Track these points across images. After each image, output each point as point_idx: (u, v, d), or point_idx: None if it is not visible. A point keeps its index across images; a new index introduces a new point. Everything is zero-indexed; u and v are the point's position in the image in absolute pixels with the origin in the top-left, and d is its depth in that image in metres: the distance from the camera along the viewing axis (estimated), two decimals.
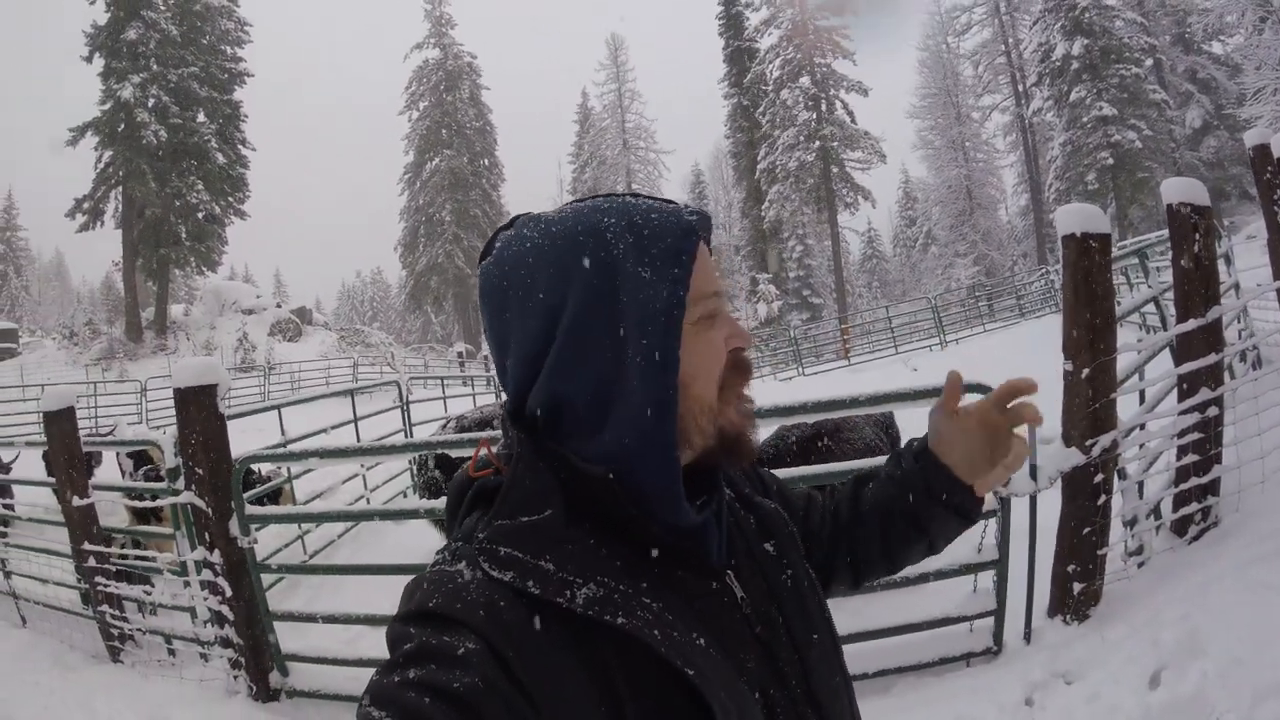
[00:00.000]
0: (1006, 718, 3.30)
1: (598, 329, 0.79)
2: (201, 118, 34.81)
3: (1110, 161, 33.77)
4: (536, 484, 0.79)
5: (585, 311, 0.79)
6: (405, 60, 47.76)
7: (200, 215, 33.95)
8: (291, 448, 6.66)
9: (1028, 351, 14.09)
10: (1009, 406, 1.03)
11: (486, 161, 48.56)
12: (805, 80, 39.57)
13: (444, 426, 7.10)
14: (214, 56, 35.49)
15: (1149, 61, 35.30)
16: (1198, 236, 3.93)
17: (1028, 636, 3.86)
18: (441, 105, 46.92)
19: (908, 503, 1.09)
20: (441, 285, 46.33)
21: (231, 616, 4.35)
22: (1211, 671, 3.01)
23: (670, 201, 0.87)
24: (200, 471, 4.28)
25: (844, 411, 3.74)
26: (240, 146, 36.76)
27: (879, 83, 40.25)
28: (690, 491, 0.83)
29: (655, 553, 0.80)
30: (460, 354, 30.74)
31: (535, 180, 59.36)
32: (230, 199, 35.82)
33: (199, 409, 4.27)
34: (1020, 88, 41.70)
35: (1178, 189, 3.99)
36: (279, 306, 34.88)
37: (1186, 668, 3.10)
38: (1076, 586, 3.80)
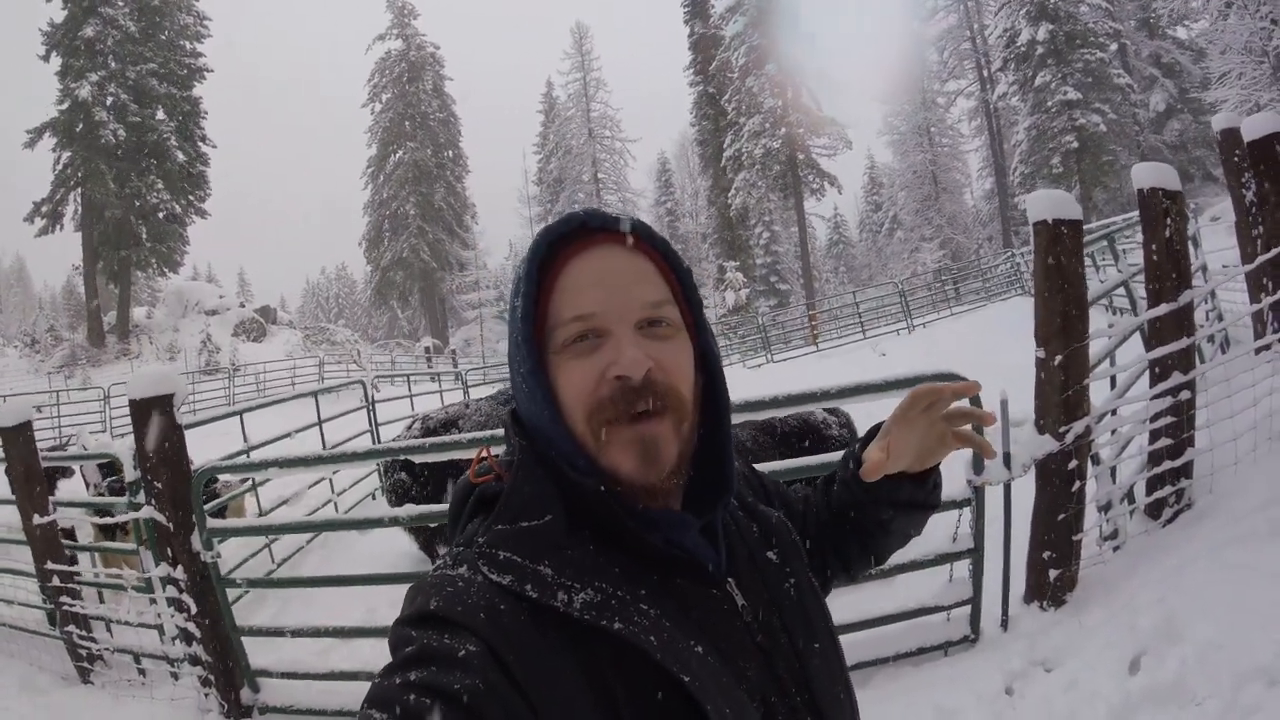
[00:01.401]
0: (986, 707, 3.29)
1: (510, 357, 0.86)
2: (161, 115, 34.00)
3: (1075, 145, 34.06)
4: (536, 490, 0.80)
5: (508, 338, 0.86)
6: (368, 52, 46.92)
7: (161, 215, 33.20)
8: (253, 456, 6.56)
9: (995, 334, 14.26)
10: (949, 411, 1.03)
11: (451, 153, 47.94)
12: (771, 67, 39.48)
13: (409, 427, 6.97)
14: (173, 52, 34.68)
15: (1113, 46, 35.59)
16: (1169, 221, 3.92)
17: (1005, 624, 3.87)
18: (404, 97, 46.23)
19: (862, 508, 1.10)
20: (407, 280, 45.79)
21: (198, 634, 4.25)
22: (1191, 657, 3.01)
23: (585, 209, 0.85)
24: (159, 485, 4.17)
25: (811, 404, 3.69)
26: (200, 143, 35.94)
27: (845, 67, 40.29)
28: (693, 505, 0.86)
29: (653, 560, 0.80)
30: (428, 349, 30.54)
31: (501, 171, 58.67)
32: (191, 197, 35.08)
33: (155, 420, 4.15)
34: (985, 73, 41.86)
35: (1149, 174, 3.98)
36: (243, 306, 34.29)
37: (1165, 653, 3.10)
38: (1053, 573, 3.82)
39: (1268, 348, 4.35)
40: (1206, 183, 31.83)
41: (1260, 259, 4.35)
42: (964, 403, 1.08)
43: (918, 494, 1.10)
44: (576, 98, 53.12)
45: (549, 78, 55.36)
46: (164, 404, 4.17)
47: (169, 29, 34.74)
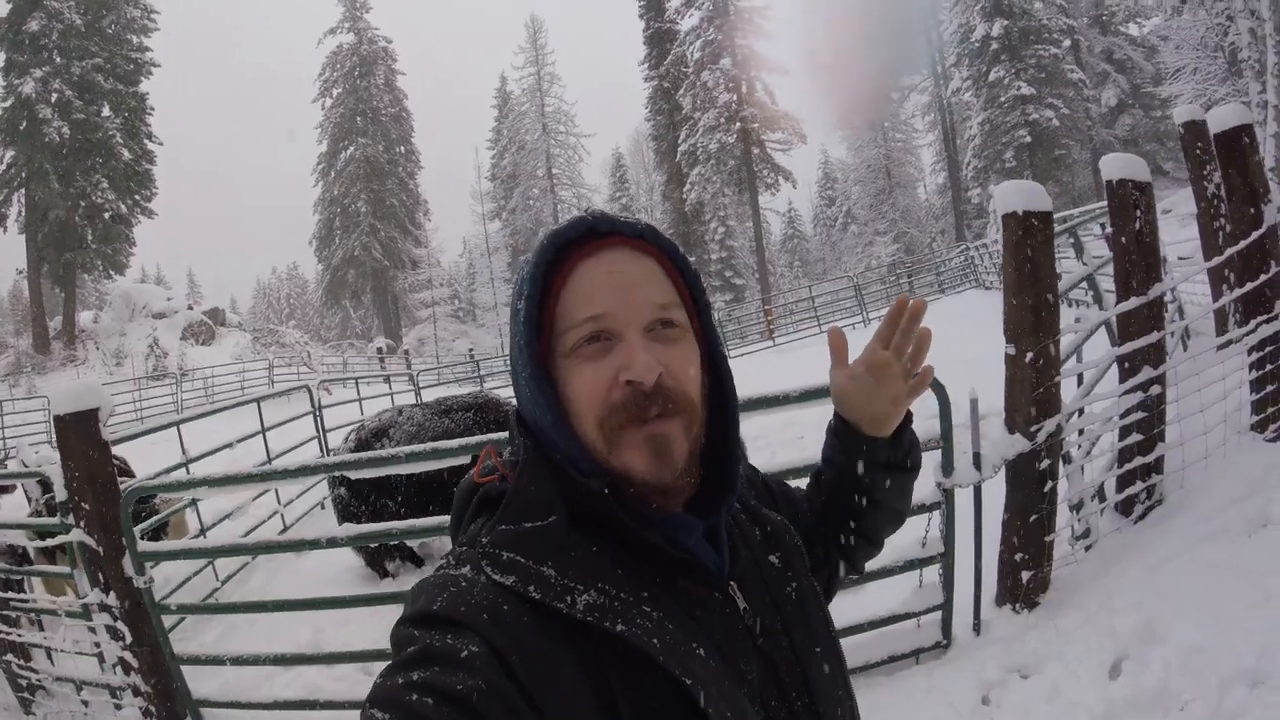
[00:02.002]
0: None
1: (511, 360, 0.87)
2: (106, 112, 32.59)
3: (1028, 139, 34.78)
4: (540, 490, 0.80)
5: (510, 340, 0.87)
6: (319, 46, 46.03)
7: (107, 215, 31.92)
8: (193, 468, 6.27)
9: (951, 327, 14.18)
10: (892, 342, 1.05)
11: (403, 149, 47.25)
12: (726, 62, 39.53)
13: (345, 440, 6.71)
14: (119, 46, 33.28)
15: (1067, 42, 36.40)
16: (1139, 213, 3.83)
17: (977, 628, 3.78)
18: (356, 92, 45.45)
19: (845, 480, 1.12)
20: (359, 279, 45.11)
21: (136, 663, 4.02)
22: (1173, 660, 2.94)
23: (593, 212, 0.84)
24: (86, 506, 3.92)
25: (775, 408, 3.56)
26: (147, 141, 34.56)
27: (800, 62, 40.52)
28: (697, 507, 0.85)
29: (656, 562, 0.80)
30: (380, 350, 30.00)
31: (454, 166, 58.09)
32: (137, 197, 33.77)
33: (79, 438, 3.90)
34: (939, 68, 42.39)
35: (1119, 165, 3.89)
36: (191, 308, 33.17)
37: (1147, 657, 3.03)
38: (1025, 575, 3.72)
39: (1231, 343, 4.29)
40: (1157, 176, 32.38)
41: (1227, 252, 4.29)
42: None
43: (895, 454, 1.11)
44: (530, 92, 52.77)
45: (502, 72, 55.14)
46: (88, 420, 3.90)
47: (115, 22, 33.30)
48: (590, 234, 0.83)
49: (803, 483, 1.24)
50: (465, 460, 3.67)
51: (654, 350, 0.79)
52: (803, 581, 0.93)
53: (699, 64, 39.99)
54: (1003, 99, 35.34)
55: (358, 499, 6.13)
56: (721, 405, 0.89)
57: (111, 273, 34.12)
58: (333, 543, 3.66)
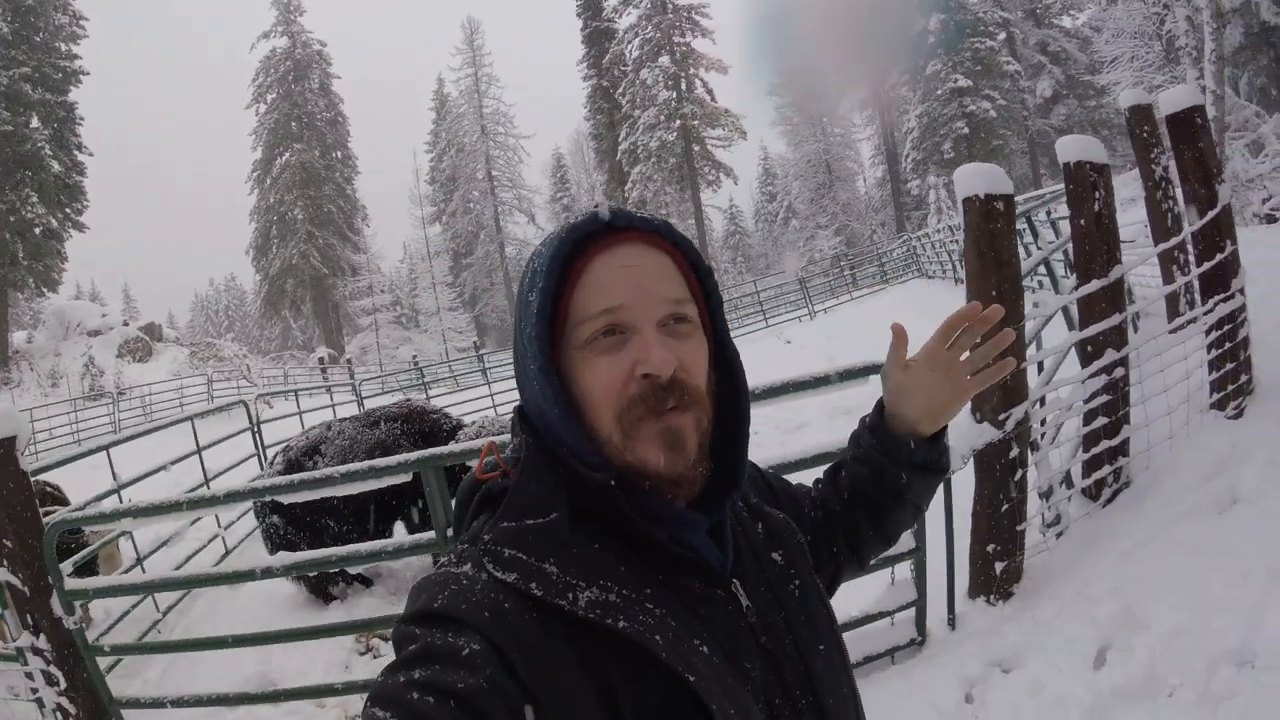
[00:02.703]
0: None
1: (518, 353, 0.86)
2: (35, 123, 31.08)
3: (965, 131, 35.50)
4: (542, 487, 0.80)
5: (515, 333, 0.86)
6: (252, 50, 44.87)
7: (38, 230, 30.51)
8: (126, 494, 5.93)
9: (897, 316, 14.35)
10: (954, 339, 1.05)
11: (339, 154, 46.35)
12: (665, 59, 39.60)
13: (273, 462, 6.43)
14: (47, 55, 31.66)
15: (1002, 35, 37.15)
16: (1098, 195, 3.78)
17: (952, 622, 3.70)
18: (290, 97, 44.42)
19: (879, 478, 1.11)
20: (298, 288, 44.13)
21: (74, 710, 3.74)
22: (1157, 645, 2.91)
23: (611, 207, 0.84)
24: (8, 542, 3.62)
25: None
26: (77, 152, 32.92)
27: (738, 59, 40.80)
28: (701, 503, 0.84)
29: (659, 558, 0.79)
30: (322, 360, 29.39)
31: (391, 171, 57.18)
32: (68, 210, 32.11)
33: None
34: (876, 67, 42.92)
35: (1076, 147, 3.84)
36: (126, 324, 31.91)
37: (1130, 644, 2.99)
38: (998, 565, 3.64)
39: (1191, 321, 4.29)
40: None
41: (1185, 231, 4.28)
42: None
43: (931, 454, 1.11)
44: (468, 94, 52.37)
45: (440, 74, 54.39)
46: (4, 449, 3.61)
47: (44, 29, 31.80)
48: (607, 228, 0.82)
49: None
50: (407, 478, 3.47)
51: (668, 345, 0.80)
52: (805, 579, 0.93)
53: (638, 62, 40.02)
54: (939, 91, 36.01)
55: (294, 525, 5.84)
56: (731, 401, 0.89)
57: (44, 290, 32.61)
58: (268, 573, 3.42)
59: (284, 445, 6.59)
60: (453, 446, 3.44)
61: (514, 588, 0.72)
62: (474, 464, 3.45)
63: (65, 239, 32.19)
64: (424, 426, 6.19)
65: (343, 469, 3.33)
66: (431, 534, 3.46)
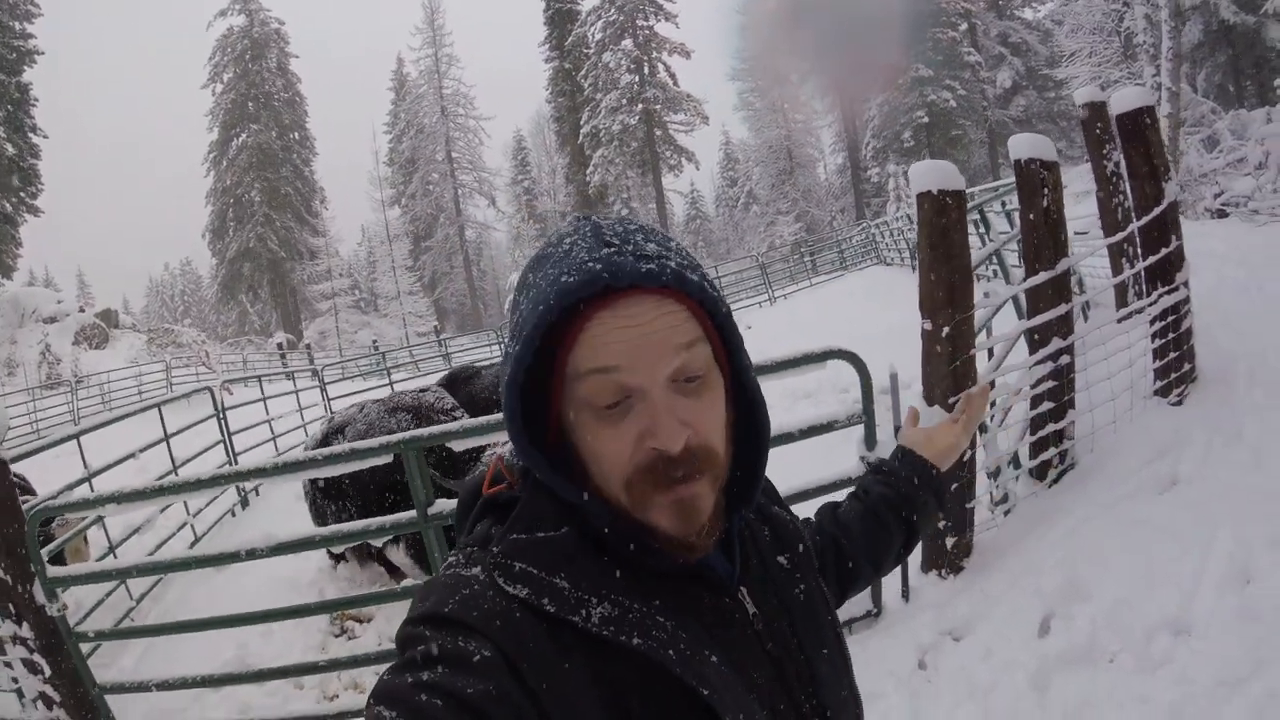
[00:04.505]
0: (904, 687, 3.26)
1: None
2: None
3: (925, 120, 36.05)
4: (553, 500, 0.79)
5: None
6: (208, 29, 44.18)
7: None
8: (96, 483, 5.92)
9: (855, 303, 14.72)
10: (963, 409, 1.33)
11: (297, 135, 45.74)
12: (628, 43, 39.66)
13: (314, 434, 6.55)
14: (0, 34, 30.86)
15: (964, 25, 37.54)
16: (1046, 191, 3.97)
17: (906, 595, 3.88)
18: (247, 76, 43.74)
19: (896, 499, 1.26)
20: (255, 272, 43.62)
21: (58, 697, 3.80)
22: (1099, 615, 3.08)
23: (600, 245, 0.75)
24: None
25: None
26: (31, 134, 32.07)
27: (700, 44, 40.87)
28: None
29: (667, 573, 0.79)
30: (281, 345, 29.06)
31: (350, 152, 56.45)
32: (22, 194, 31.36)
33: None
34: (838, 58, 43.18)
35: (1026, 145, 4.02)
36: (82, 311, 30.98)
37: (1074, 613, 3.17)
38: (949, 541, 3.84)
39: (1137, 312, 4.51)
40: None
41: (1132, 227, 4.50)
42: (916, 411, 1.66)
43: (940, 482, 1.33)
44: (428, 74, 51.75)
45: (399, 53, 53.62)
46: None
47: None
48: (606, 291, 0.73)
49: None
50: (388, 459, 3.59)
51: (678, 408, 0.74)
52: (811, 583, 0.93)
53: (600, 45, 40.06)
54: (900, 81, 36.39)
55: (328, 498, 6.04)
56: (754, 435, 0.85)
57: None
58: (253, 554, 3.50)
59: (326, 418, 6.66)
60: (431, 429, 3.56)
61: (525, 602, 0.72)
62: (455, 446, 3.55)
63: (20, 224, 31.44)
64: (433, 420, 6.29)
65: (324, 451, 3.44)
66: (412, 513, 3.58)
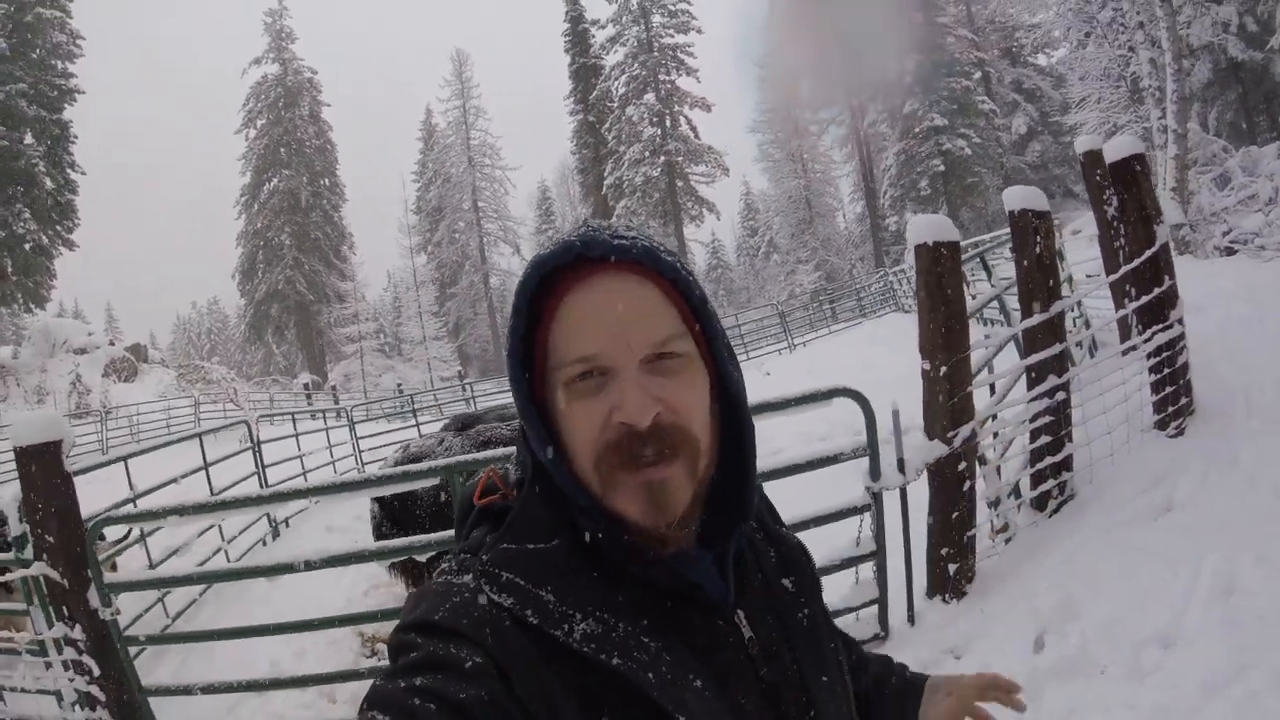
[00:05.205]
0: None
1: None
2: (29, 139, 30.69)
3: (941, 168, 36.34)
4: (547, 512, 0.79)
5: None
6: (243, 76, 45.43)
7: (28, 247, 30.12)
8: (145, 504, 6.18)
9: (873, 349, 14.84)
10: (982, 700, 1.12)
11: (327, 181, 46.60)
12: (650, 97, 40.38)
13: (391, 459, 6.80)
14: (44, 72, 31.42)
15: (978, 74, 38.01)
16: (1039, 239, 4.25)
17: (911, 619, 4.07)
18: (280, 123, 44.78)
19: (873, 701, 1.12)
20: (283, 313, 44.26)
21: (103, 697, 3.99)
22: (1091, 631, 3.25)
23: (580, 229, 0.79)
24: (51, 539, 3.90)
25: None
26: (69, 170, 32.58)
27: (721, 98, 41.55)
28: (707, 533, 0.82)
29: (658, 591, 0.78)
30: (306, 386, 29.42)
31: (378, 200, 57.52)
32: (59, 228, 31.82)
33: (43, 470, 3.90)
34: (855, 101, 43.77)
35: (1019, 196, 4.31)
36: (112, 344, 31.58)
37: (1066, 630, 3.34)
38: (951, 567, 4.05)
39: (1134, 349, 4.72)
40: (1067, 199, 34.16)
41: (1124, 269, 4.74)
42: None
43: None
44: (456, 125, 52.87)
45: (428, 105, 54.89)
46: (51, 452, 3.92)
47: (41, 46, 31.47)
48: (580, 260, 0.76)
49: None
50: (435, 481, 3.84)
51: (651, 385, 0.75)
52: (815, 609, 0.92)
53: (624, 99, 40.78)
54: (917, 130, 36.85)
55: (389, 519, 6.19)
56: (736, 433, 0.84)
57: (33, 306, 32.29)
58: (309, 565, 3.74)
59: (402, 445, 6.89)
60: (475, 455, 3.83)
61: (510, 611, 0.72)
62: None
63: (55, 256, 31.80)
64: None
65: (378, 473, 3.70)
66: (449, 532, 3.79)
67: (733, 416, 0.83)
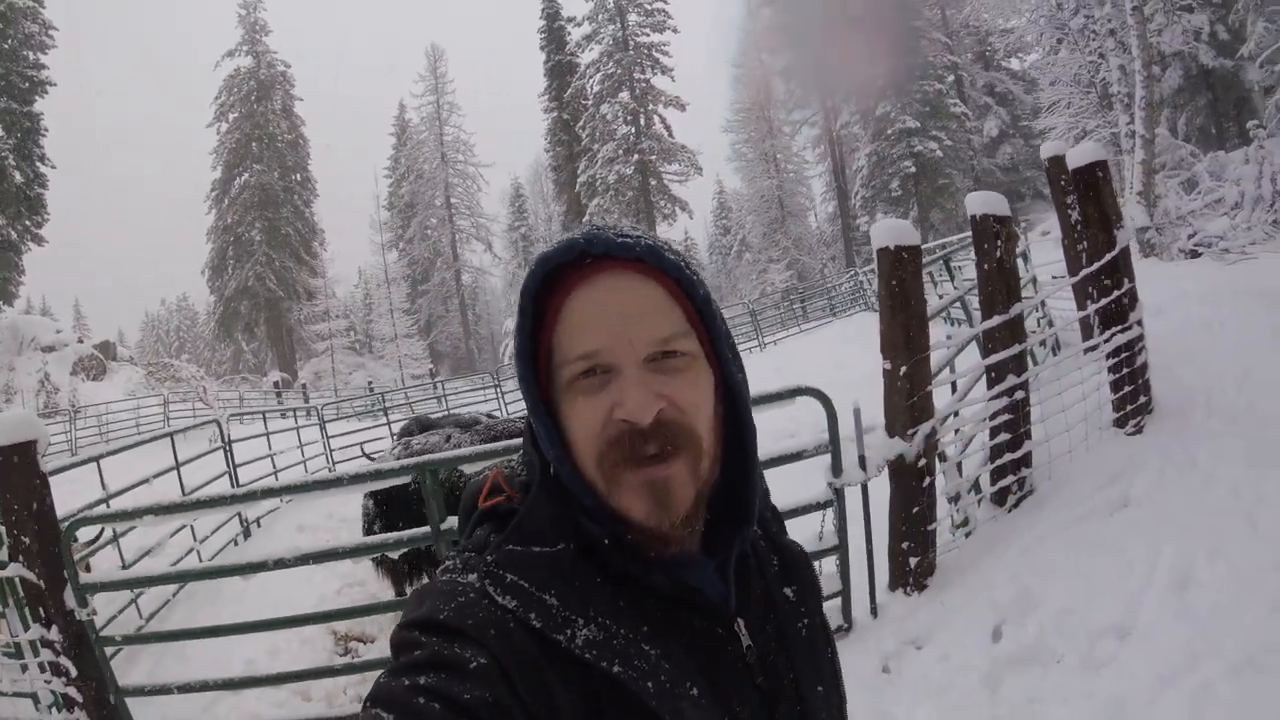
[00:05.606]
0: (867, 689, 3.56)
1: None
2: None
3: (913, 170, 36.73)
4: (553, 514, 0.78)
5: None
6: (216, 69, 44.71)
7: None
8: (118, 505, 6.16)
9: (843, 348, 15.01)
10: None
11: (299, 176, 46.02)
12: (624, 95, 40.39)
13: (392, 450, 6.76)
14: (14, 63, 30.65)
15: (950, 78, 38.39)
16: (999, 243, 4.38)
17: (874, 611, 4.19)
18: (252, 117, 44.22)
19: None
20: (253, 310, 43.74)
21: (80, 699, 4.01)
22: (1047, 621, 3.39)
23: (586, 232, 0.78)
24: (27, 540, 3.91)
25: None
26: (39, 164, 31.75)
27: (695, 97, 41.61)
28: (710, 539, 0.82)
29: (660, 596, 0.78)
30: (276, 384, 29.20)
31: (350, 195, 57.02)
32: (28, 222, 30.97)
33: (18, 470, 3.90)
34: (829, 103, 44.07)
35: (980, 201, 4.44)
36: (80, 342, 30.78)
37: (1024, 621, 3.47)
38: (912, 561, 4.17)
39: (1095, 348, 4.86)
40: (1038, 200, 34.65)
41: (1084, 271, 4.89)
42: None
43: None
44: (429, 121, 52.52)
45: (401, 100, 54.49)
46: (26, 452, 3.91)
47: (12, 37, 30.64)
48: (583, 256, 0.77)
49: None
50: (406, 479, 3.89)
51: (654, 383, 0.75)
52: (815, 619, 0.91)
53: (598, 97, 40.76)
54: (889, 132, 37.18)
55: (383, 512, 6.17)
56: (738, 435, 0.83)
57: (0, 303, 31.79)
58: (280, 563, 3.76)
59: (404, 441, 6.87)
60: (445, 454, 3.88)
61: (513, 614, 0.72)
62: (468, 469, 3.80)
63: (24, 251, 31.10)
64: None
65: (349, 471, 3.74)
66: (426, 529, 3.88)
67: (735, 418, 0.83)
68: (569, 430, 0.77)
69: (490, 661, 0.68)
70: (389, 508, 6.08)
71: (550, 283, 0.78)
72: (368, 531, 6.19)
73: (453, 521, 3.82)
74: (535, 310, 0.79)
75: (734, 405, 0.83)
